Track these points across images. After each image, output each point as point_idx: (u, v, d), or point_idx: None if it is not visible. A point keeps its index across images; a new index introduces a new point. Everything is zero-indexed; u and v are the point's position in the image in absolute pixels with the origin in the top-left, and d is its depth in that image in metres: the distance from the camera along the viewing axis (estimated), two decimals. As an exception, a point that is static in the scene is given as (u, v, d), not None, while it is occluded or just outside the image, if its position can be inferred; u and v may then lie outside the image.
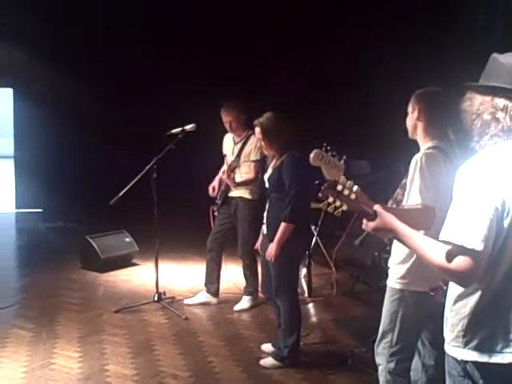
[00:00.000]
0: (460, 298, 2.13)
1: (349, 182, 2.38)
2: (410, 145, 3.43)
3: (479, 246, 1.97)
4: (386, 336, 3.30)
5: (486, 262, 2.01)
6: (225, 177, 5.57)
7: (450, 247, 2.02)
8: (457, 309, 2.14)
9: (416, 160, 3.14)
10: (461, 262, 1.99)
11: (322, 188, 2.36)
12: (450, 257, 2.02)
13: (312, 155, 2.96)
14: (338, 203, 2.39)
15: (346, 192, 2.36)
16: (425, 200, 3.05)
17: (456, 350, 2.13)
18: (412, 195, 3.09)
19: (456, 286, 2.12)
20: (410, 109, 3.32)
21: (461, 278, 2.03)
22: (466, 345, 2.10)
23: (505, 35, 6.31)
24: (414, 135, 3.33)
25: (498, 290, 2.06)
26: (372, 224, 2.32)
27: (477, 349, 2.08)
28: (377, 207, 2.34)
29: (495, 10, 6.56)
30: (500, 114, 2.08)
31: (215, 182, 5.86)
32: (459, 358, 2.12)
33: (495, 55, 2.16)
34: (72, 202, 9.06)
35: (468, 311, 2.10)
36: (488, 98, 2.10)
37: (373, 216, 2.32)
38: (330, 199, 2.38)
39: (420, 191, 3.06)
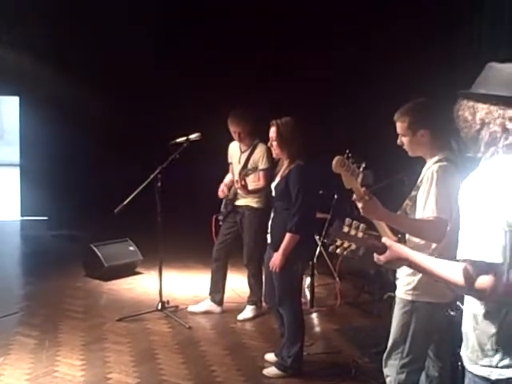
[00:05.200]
0: (486, 315, 2.06)
1: (354, 221, 2.43)
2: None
3: (499, 259, 1.93)
4: (397, 347, 3.28)
5: (507, 274, 1.95)
6: (238, 185, 5.46)
7: (468, 265, 1.96)
8: (483, 327, 2.07)
9: (432, 172, 3.12)
10: (483, 277, 1.94)
11: (329, 232, 2.41)
12: (470, 274, 1.96)
13: (334, 162, 2.89)
14: (346, 244, 2.43)
15: (353, 232, 2.41)
16: (440, 212, 3.04)
17: (487, 369, 2.06)
18: (427, 207, 3.08)
19: (479, 303, 2.06)
20: (408, 129, 3.21)
21: (485, 293, 1.95)
22: (498, 363, 2.03)
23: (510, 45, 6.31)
24: (418, 152, 3.28)
25: None
26: (383, 257, 2.32)
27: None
28: (385, 240, 2.34)
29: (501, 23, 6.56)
30: (511, 125, 2.01)
31: (223, 186, 5.80)
32: (493, 378, 2.04)
33: (492, 64, 2.12)
34: (77, 210, 9.11)
35: (496, 328, 2.04)
36: (495, 108, 2.03)
37: (383, 249, 2.33)
38: (338, 242, 2.42)
39: (436, 203, 3.05)
